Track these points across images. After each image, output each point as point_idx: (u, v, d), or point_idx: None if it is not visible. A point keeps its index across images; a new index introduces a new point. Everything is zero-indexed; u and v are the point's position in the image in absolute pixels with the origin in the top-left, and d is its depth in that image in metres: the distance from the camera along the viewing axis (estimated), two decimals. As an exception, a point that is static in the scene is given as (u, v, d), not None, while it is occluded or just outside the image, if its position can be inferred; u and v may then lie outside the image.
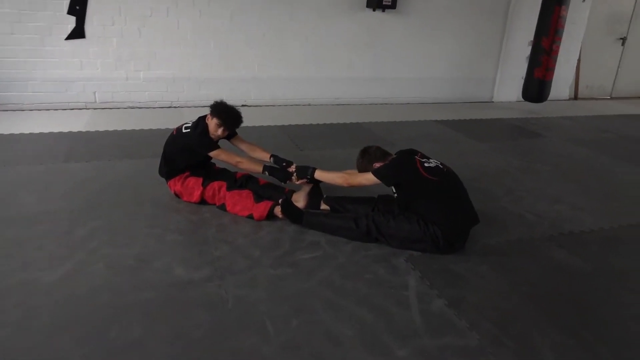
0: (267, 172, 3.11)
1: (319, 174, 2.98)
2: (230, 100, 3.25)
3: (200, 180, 3.18)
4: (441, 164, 2.74)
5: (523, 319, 2.16)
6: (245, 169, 3.14)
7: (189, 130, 3.11)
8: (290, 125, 5.44)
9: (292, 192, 3.24)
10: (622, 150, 5.08)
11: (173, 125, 5.49)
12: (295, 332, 2.00)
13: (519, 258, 2.71)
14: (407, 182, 2.67)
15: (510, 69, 7.54)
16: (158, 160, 3.29)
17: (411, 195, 2.70)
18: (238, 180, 3.33)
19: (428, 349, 1.94)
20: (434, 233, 2.62)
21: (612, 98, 8.86)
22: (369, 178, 2.74)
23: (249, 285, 2.31)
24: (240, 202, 3.03)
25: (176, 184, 3.21)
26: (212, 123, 3.09)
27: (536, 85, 6.76)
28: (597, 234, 3.06)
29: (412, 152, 2.81)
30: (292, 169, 3.11)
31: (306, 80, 6.56)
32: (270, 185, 3.30)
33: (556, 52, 6.65)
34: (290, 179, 3.09)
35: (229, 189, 3.10)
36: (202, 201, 3.16)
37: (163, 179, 3.32)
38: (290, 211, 2.92)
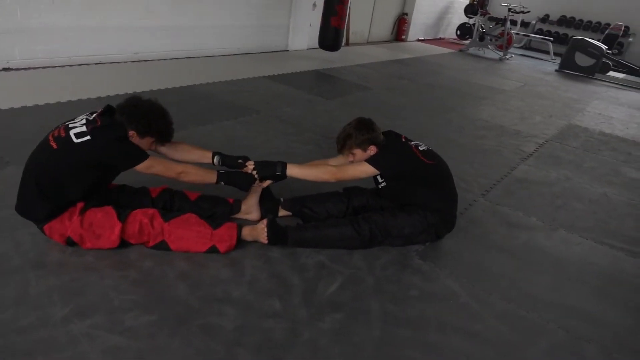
0: (223, 182, 2.26)
1: (293, 170, 2.33)
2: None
3: (112, 211, 2.06)
4: (425, 145, 2.49)
5: (585, 306, 2.28)
6: (191, 181, 2.19)
7: (88, 138, 1.92)
8: (109, 96, 4.07)
9: (239, 201, 2.46)
10: (426, 96, 5.82)
11: None
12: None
13: (492, 227, 2.81)
14: (409, 171, 2.35)
15: (301, 17, 7.49)
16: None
17: (410, 184, 2.40)
18: (158, 200, 2.32)
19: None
20: (433, 222, 2.43)
21: (368, 43, 9.96)
22: (365, 170, 2.30)
23: (320, 357, 1.68)
24: (190, 233, 2.12)
25: (67, 227, 2.00)
26: (142, 142, 2.07)
27: (333, 34, 6.93)
28: (501, 187, 3.44)
29: (397, 135, 2.47)
30: (250, 166, 2.34)
31: (93, 30, 4.96)
32: (206, 198, 2.42)
33: (348, 1, 6.91)
34: (254, 183, 2.34)
35: (165, 217, 2.11)
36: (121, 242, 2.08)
37: (27, 222, 2.03)
38: (276, 231, 2.22)
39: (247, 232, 2.23)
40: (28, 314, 1.68)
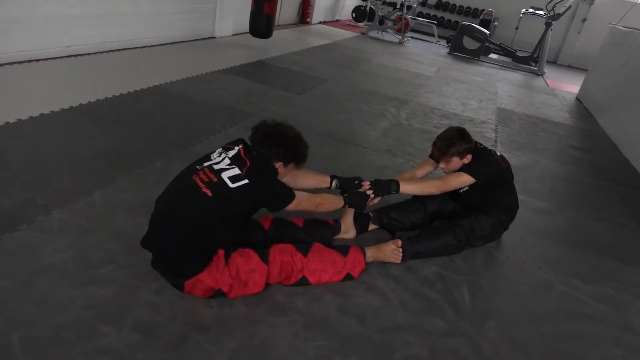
0: (348, 205, 2.27)
1: (405, 187, 2.42)
2: None
3: (253, 253, 1.92)
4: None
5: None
6: (325, 210, 2.17)
7: (245, 182, 1.76)
8: (81, 104, 3.50)
9: (338, 221, 2.44)
10: (377, 85, 6.08)
11: None
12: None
13: (524, 215, 3.12)
14: (495, 177, 2.56)
15: (227, 1, 7.10)
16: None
17: (491, 188, 2.59)
18: (271, 232, 2.20)
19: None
20: (504, 220, 2.70)
21: (278, 26, 9.81)
22: (464, 181, 2.47)
23: None
24: (327, 265, 2.07)
25: (217, 278, 1.81)
26: (284, 172, 1.96)
27: (265, 21, 6.75)
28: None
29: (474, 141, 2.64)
30: (367, 186, 2.35)
31: (19, 21, 4.14)
32: (310, 223, 2.34)
33: (279, -12, 6.74)
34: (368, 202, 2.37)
35: (302, 252, 2.03)
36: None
37: (141, 280, 1.79)
38: (406, 250, 2.28)
39: (370, 254, 2.24)
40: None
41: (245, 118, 3.92)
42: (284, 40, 7.98)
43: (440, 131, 4.51)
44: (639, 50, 5.90)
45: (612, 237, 3.15)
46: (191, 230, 1.75)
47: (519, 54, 10.93)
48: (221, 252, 1.85)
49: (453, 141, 2.44)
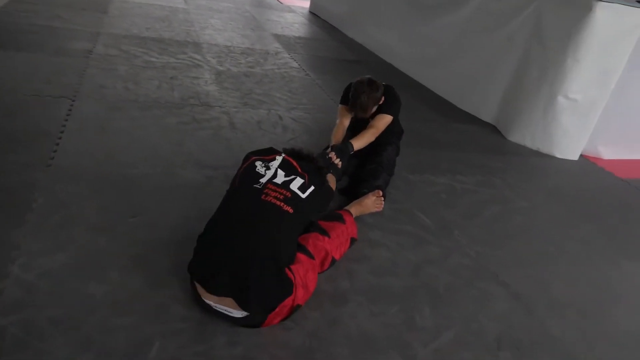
0: (337, 179, 2.42)
1: (356, 144, 2.63)
2: None
3: (301, 255, 1.82)
4: None
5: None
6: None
7: (312, 188, 1.75)
8: None
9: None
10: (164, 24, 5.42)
11: None
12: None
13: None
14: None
15: None
16: None
17: (396, 119, 2.94)
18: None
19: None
20: (399, 145, 3.13)
21: None
22: (388, 120, 2.79)
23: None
24: (340, 237, 2.11)
25: (294, 296, 1.67)
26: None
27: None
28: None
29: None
30: (334, 156, 2.45)
31: None
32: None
33: None
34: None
35: (325, 234, 2.01)
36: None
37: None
38: None
39: (354, 211, 2.35)
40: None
41: (69, 105, 3.05)
42: None
43: (256, 70, 4.62)
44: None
45: (438, 133, 3.98)
46: (283, 254, 1.60)
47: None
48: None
49: (370, 96, 2.63)
